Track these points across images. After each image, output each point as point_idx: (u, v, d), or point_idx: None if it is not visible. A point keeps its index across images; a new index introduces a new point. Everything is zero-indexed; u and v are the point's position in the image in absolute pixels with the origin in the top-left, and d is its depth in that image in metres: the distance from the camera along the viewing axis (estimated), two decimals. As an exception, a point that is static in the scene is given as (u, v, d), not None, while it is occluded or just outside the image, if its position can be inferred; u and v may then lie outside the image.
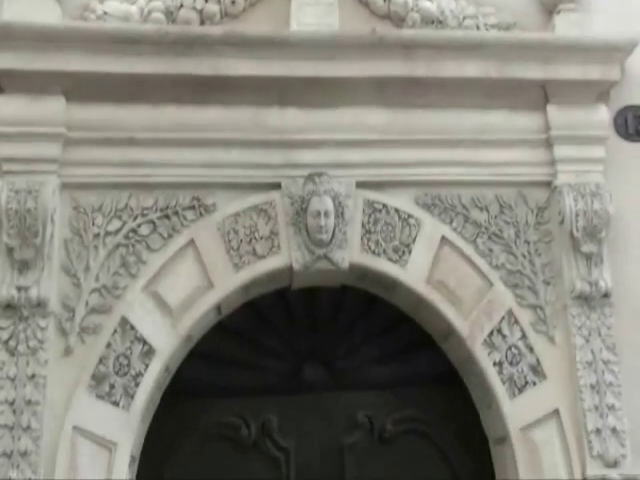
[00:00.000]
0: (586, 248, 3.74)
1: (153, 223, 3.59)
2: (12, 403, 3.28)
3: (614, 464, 3.56)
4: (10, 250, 3.39)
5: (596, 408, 3.62)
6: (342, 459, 3.75)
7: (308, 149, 3.71)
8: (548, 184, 3.84)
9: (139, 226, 3.57)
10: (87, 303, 3.46)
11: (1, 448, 3.23)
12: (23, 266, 3.39)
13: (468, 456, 3.81)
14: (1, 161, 3.48)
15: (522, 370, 3.64)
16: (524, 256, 3.78)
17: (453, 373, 3.86)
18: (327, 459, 3.75)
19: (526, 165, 3.85)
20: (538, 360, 3.66)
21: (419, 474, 3.78)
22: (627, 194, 3.87)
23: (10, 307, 3.36)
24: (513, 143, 3.85)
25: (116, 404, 3.38)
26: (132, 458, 3.42)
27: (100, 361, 3.40)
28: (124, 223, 3.56)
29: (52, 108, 3.52)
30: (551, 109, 3.86)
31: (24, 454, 3.24)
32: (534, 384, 3.63)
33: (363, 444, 3.80)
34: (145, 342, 3.45)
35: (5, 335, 3.35)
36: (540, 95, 3.87)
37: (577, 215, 3.73)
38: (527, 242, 3.79)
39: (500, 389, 3.61)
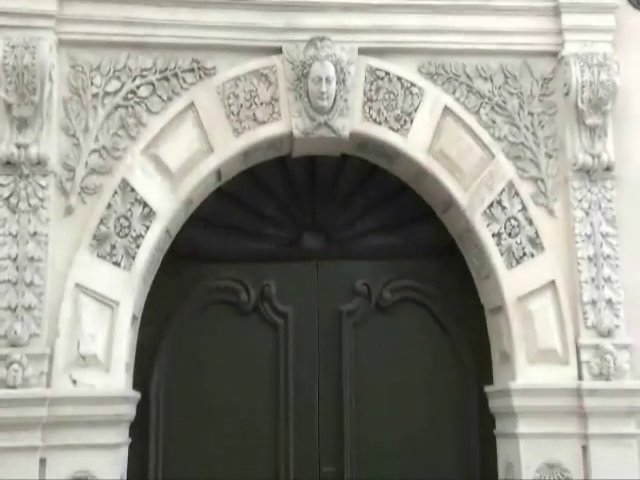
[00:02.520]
0: (590, 120, 3.70)
1: (152, 85, 3.56)
2: (15, 259, 3.34)
3: (607, 334, 3.62)
4: (8, 107, 3.38)
5: (592, 280, 3.66)
6: (340, 325, 3.83)
7: (310, 12, 3.64)
8: (554, 54, 3.77)
9: (138, 87, 3.55)
10: (87, 163, 3.47)
11: (6, 302, 3.31)
12: (22, 123, 3.39)
13: (463, 325, 3.89)
14: (-3, 14, 3.45)
15: (520, 242, 3.66)
16: (527, 128, 3.74)
17: (451, 245, 3.90)
18: (325, 325, 3.82)
19: (533, 34, 3.77)
20: (537, 232, 3.67)
21: (415, 341, 3.87)
22: (635, 66, 3.79)
23: (10, 164, 3.38)
24: (520, 11, 3.76)
25: (117, 264, 3.43)
26: (134, 317, 3.49)
27: (101, 221, 3.43)
28: (123, 84, 3.54)
29: (47, -39, 3.46)
30: (561, -25, 3.77)
31: (28, 309, 3.31)
32: (532, 256, 3.66)
33: (361, 311, 3.87)
34: (145, 204, 3.47)
35: (6, 192, 3.37)
36: (550, -40, 3.77)
37: (583, 86, 3.67)
38: (531, 114, 3.75)
39: (498, 260, 3.65)
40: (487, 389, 3.78)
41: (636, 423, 3.58)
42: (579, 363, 3.60)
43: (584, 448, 3.54)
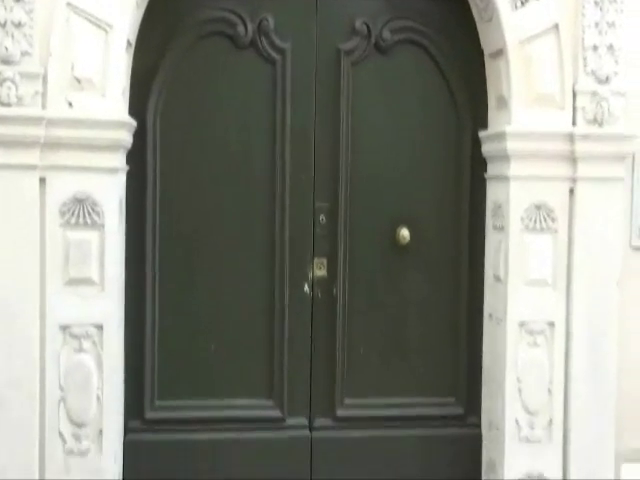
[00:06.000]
0: None
1: None
2: (-1, -34, 3.16)
3: (605, 80, 3.62)
4: None
5: (596, 25, 3.59)
6: (338, 64, 3.74)
7: None
8: None
9: None
10: None
11: (-7, 42, 3.19)
12: None
13: (462, 70, 3.83)
14: None
15: (526, -16, 3.55)
16: None
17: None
18: (323, 63, 3.74)
19: None
20: (546, -22, 3.55)
21: (413, 83, 3.82)
22: None
23: None
24: None
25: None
26: (128, 43, 3.38)
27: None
28: None
29: None
30: None
31: (18, 25, 3.19)
32: (537, -1, 3.57)
33: (359, 50, 3.77)
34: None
35: None
36: None
37: None
38: None
39: (502, 0, 3.54)
40: (482, 133, 3.81)
41: (624, 168, 3.67)
42: (574, 109, 3.62)
43: (571, 191, 3.66)
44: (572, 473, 3.66)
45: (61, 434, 3.36)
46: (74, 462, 3.36)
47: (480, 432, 3.88)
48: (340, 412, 3.82)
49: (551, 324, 3.65)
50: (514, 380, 3.63)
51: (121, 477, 3.54)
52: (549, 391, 3.66)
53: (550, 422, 3.66)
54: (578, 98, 3.61)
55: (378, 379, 3.85)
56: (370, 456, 3.81)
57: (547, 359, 3.65)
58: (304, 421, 3.80)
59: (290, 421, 3.78)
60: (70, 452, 3.37)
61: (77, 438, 3.38)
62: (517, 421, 3.65)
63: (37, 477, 3.32)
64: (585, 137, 3.59)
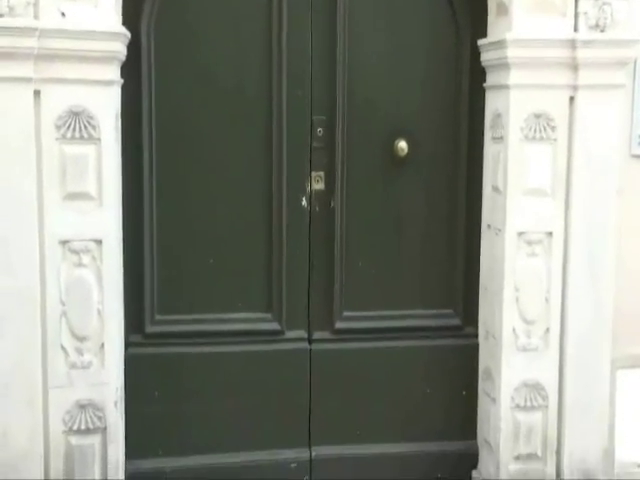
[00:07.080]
0: None
1: None
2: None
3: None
4: None
5: None
6: (335, -27, 3.67)
7: None
8: None
9: None
10: None
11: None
12: None
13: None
14: None
15: None
16: None
17: None
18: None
19: None
20: None
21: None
22: None
23: None
24: None
25: None
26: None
27: None
28: None
29: None
30: None
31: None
32: None
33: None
34: None
35: None
36: None
37: None
38: None
39: None
40: (481, 41, 3.74)
41: (625, 74, 3.63)
42: (576, 14, 3.54)
43: (571, 99, 3.61)
44: (568, 380, 3.73)
45: (63, 348, 3.38)
46: (77, 375, 3.39)
47: (477, 342, 3.93)
48: (339, 324, 3.85)
49: (549, 234, 3.66)
50: (512, 289, 3.66)
51: (123, 390, 3.59)
52: (546, 300, 3.69)
53: (547, 331, 3.71)
54: (580, 3, 3.53)
55: (376, 291, 3.87)
56: (368, 368, 3.87)
57: (545, 269, 3.67)
58: (303, 334, 3.84)
59: (289, 334, 3.82)
60: (73, 365, 3.39)
61: (79, 352, 3.40)
62: (514, 330, 3.69)
63: (41, 391, 3.36)
64: (587, 43, 3.52)
